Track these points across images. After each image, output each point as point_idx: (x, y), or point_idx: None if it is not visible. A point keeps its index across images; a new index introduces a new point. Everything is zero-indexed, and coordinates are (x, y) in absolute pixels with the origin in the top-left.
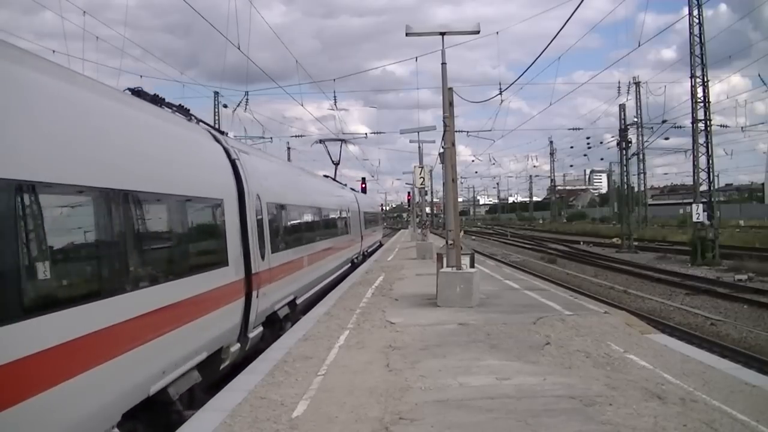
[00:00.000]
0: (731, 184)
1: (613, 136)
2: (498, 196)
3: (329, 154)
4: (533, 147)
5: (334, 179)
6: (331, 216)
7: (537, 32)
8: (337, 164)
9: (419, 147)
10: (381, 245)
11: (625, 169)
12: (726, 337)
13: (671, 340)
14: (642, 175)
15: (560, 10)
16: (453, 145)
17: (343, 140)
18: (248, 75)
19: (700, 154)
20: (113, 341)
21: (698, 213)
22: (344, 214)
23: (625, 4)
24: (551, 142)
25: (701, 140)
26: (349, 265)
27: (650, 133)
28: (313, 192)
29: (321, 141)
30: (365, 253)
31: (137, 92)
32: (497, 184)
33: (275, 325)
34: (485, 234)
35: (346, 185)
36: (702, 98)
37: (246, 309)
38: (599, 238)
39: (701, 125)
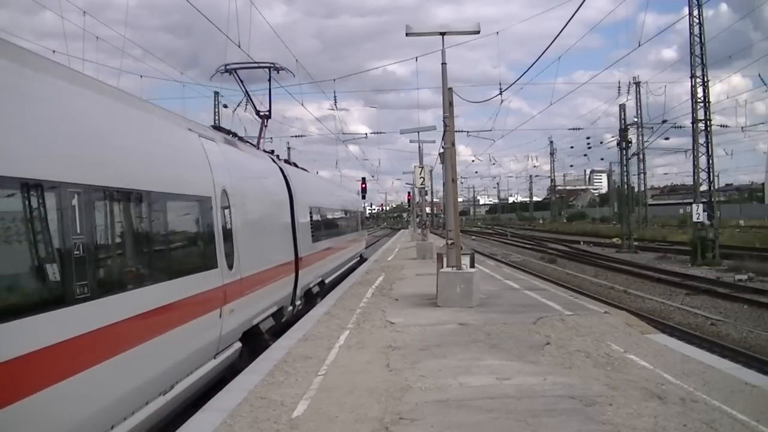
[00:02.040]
0: (731, 184)
1: (613, 136)
2: (498, 196)
3: (246, 93)
4: (533, 147)
5: (245, 141)
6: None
7: (537, 32)
8: (265, 116)
9: (419, 147)
10: (362, 260)
11: (625, 169)
12: (726, 337)
13: (671, 340)
14: (642, 175)
15: (561, 10)
16: (453, 145)
17: (272, 66)
18: (248, 75)
19: (700, 154)
20: None
21: (698, 213)
22: (198, 223)
23: (625, 4)
24: (551, 142)
25: (701, 140)
26: (240, 344)
27: (650, 133)
28: None
29: (227, 69)
30: (313, 290)
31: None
32: (497, 184)
33: None
34: (485, 234)
35: (273, 155)
36: (702, 98)
37: None
38: (599, 238)
39: (701, 125)
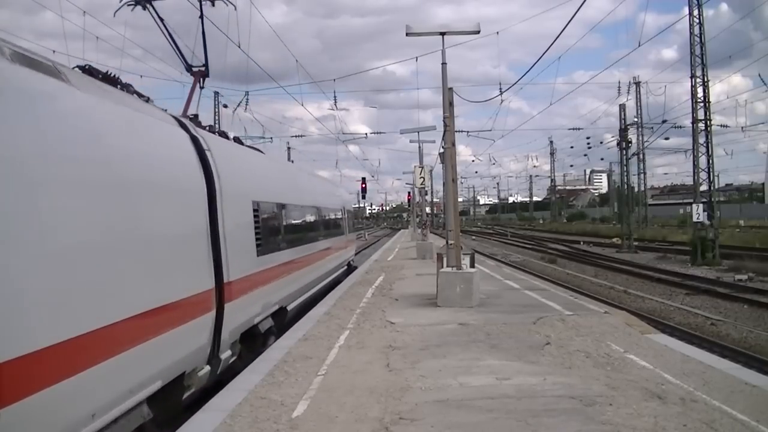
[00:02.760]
0: (731, 184)
1: (613, 136)
2: (498, 196)
3: (169, 37)
4: (533, 147)
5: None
6: None
7: (538, 32)
8: (199, 73)
9: (419, 147)
10: (350, 269)
11: (625, 169)
12: (726, 337)
13: (671, 340)
14: (642, 175)
15: (561, 10)
16: (453, 145)
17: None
18: (248, 75)
19: (700, 154)
20: None
21: (698, 213)
22: None
23: (625, 4)
24: (551, 142)
25: (701, 140)
26: None
27: (650, 133)
28: None
29: (137, 1)
30: (261, 326)
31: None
32: (497, 184)
33: None
34: (485, 234)
35: (194, 122)
36: (702, 98)
37: None
38: (599, 238)
39: (701, 125)
